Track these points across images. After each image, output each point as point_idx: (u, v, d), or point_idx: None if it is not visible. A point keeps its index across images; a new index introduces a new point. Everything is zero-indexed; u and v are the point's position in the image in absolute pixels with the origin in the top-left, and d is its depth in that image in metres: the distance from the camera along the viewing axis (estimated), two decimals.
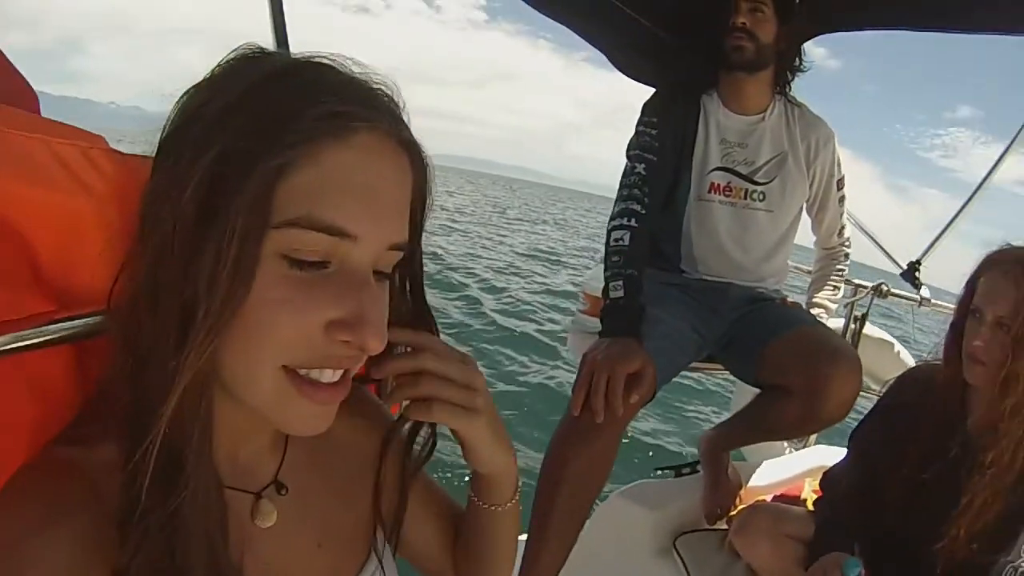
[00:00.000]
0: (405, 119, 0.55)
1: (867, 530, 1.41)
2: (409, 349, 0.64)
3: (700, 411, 6.15)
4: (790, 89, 1.92)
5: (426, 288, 0.66)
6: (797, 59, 1.91)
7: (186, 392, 0.47)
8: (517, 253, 15.99)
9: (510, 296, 9.95)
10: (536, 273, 13.16)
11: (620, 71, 2.33)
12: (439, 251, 13.05)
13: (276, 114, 0.47)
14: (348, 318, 0.50)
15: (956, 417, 1.38)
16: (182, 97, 0.51)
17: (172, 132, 0.50)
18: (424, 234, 0.63)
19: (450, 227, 17.29)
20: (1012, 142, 2.43)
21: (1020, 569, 1.26)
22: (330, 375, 0.53)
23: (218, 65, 0.52)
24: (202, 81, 0.51)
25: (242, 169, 0.46)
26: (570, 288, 11.53)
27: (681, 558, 1.76)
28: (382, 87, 0.54)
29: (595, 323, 1.69)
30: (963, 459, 1.32)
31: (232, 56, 0.52)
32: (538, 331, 8.25)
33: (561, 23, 2.15)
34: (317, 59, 0.53)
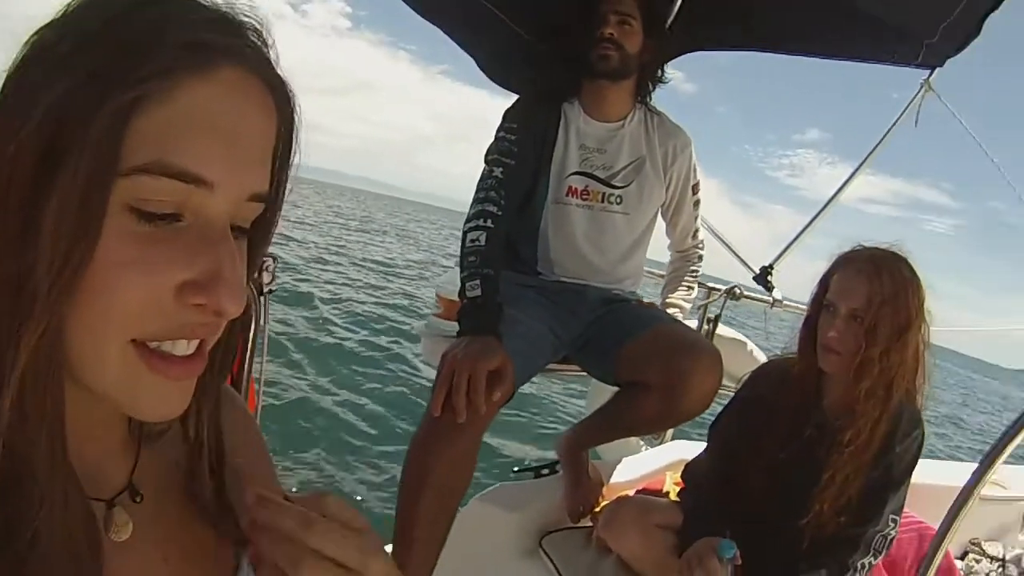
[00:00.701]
0: (273, 58, 0.50)
1: (733, 514, 1.48)
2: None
3: (520, 415, 6.21)
4: (651, 99, 2.00)
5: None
6: (659, 71, 1.99)
7: (25, 379, 0.41)
8: (354, 264, 15.68)
9: (339, 308, 9.83)
10: (371, 285, 12.97)
11: (494, 81, 2.33)
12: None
13: (130, 46, 0.42)
14: (201, 278, 0.45)
15: (811, 403, 1.50)
16: (32, 36, 0.44)
17: (16, 71, 0.44)
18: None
19: (288, 236, 16.66)
20: (862, 163, 2.71)
21: (890, 536, 1.38)
22: (184, 347, 0.47)
23: None
24: (55, 17, 0.45)
25: (89, 108, 0.40)
26: (402, 301, 11.58)
27: (550, 558, 1.75)
28: (252, 21, 0.49)
29: (449, 326, 1.66)
30: (820, 439, 1.43)
31: None
32: (371, 340, 8.25)
33: (443, 30, 2.14)
34: None
